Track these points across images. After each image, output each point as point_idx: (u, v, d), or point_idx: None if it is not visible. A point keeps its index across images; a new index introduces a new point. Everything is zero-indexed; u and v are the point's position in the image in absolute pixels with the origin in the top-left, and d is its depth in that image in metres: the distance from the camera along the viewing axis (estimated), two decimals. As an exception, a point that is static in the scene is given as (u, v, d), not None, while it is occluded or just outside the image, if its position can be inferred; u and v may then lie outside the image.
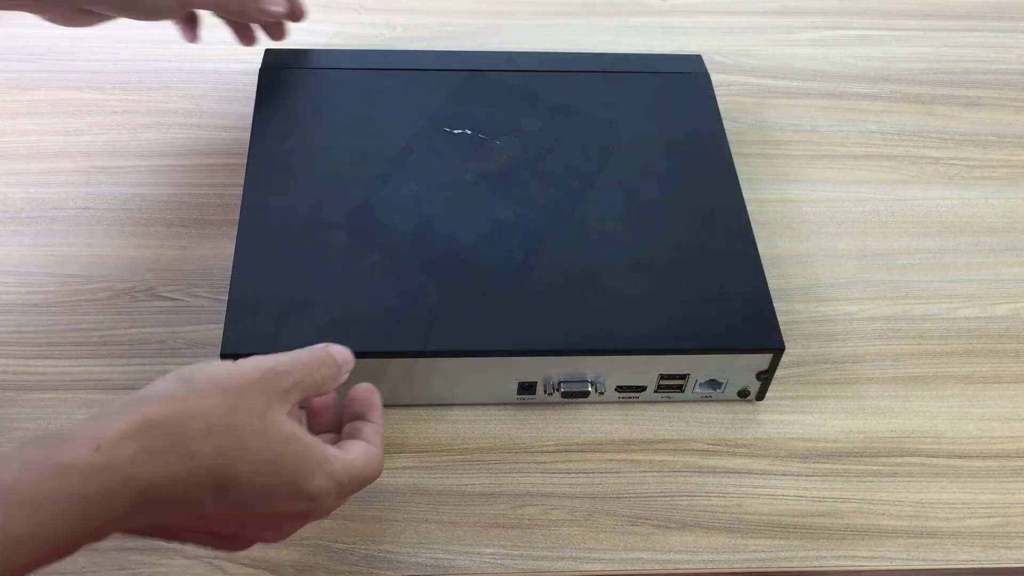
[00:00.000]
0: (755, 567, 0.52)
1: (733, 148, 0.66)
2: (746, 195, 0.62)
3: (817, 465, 0.56)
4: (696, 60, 0.71)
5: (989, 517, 0.54)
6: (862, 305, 0.64)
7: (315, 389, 0.47)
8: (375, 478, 0.48)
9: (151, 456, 0.38)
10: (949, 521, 0.54)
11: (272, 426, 0.43)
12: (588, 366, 0.55)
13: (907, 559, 0.53)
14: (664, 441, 0.57)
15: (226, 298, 0.60)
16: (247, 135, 0.71)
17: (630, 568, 0.52)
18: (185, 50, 0.78)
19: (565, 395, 0.56)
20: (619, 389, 0.57)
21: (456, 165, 0.62)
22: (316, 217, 0.59)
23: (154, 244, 0.64)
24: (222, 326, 0.59)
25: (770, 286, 0.58)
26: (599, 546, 0.52)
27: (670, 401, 0.58)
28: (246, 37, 0.69)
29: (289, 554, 0.51)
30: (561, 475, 0.55)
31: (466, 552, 0.52)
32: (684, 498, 0.54)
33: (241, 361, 0.44)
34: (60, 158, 0.69)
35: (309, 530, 0.52)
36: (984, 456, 0.57)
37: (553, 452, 0.56)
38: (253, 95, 0.67)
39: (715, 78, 0.71)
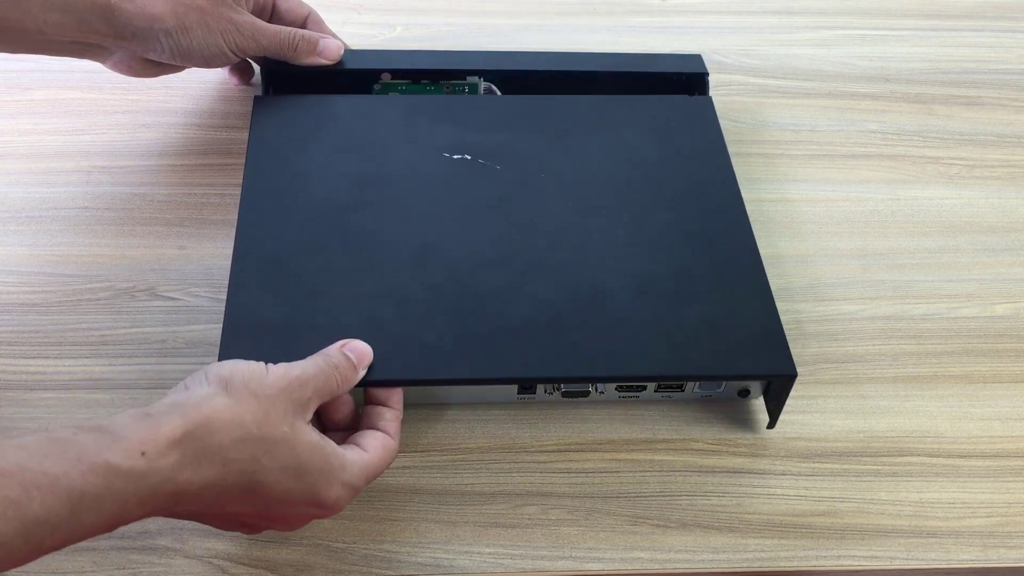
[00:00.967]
0: (755, 567, 0.52)
1: (733, 148, 0.66)
2: (746, 195, 0.62)
3: (817, 465, 0.56)
4: (696, 60, 0.71)
5: (989, 517, 0.54)
6: (862, 305, 0.64)
7: (331, 394, 0.49)
8: (389, 465, 0.50)
9: (191, 463, 0.42)
10: (949, 521, 0.54)
11: (298, 434, 0.46)
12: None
13: (907, 559, 0.53)
14: (664, 441, 0.57)
15: (226, 298, 0.61)
16: (247, 135, 0.71)
17: (630, 568, 0.52)
18: (185, 50, 0.78)
19: (565, 395, 0.56)
20: (619, 389, 0.57)
21: (456, 191, 0.61)
22: (312, 239, 0.58)
23: (154, 244, 0.64)
24: (222, 326, 0.59)
25: (770, 286, 0.58)
26: (599, 546, 0.52)
27: (670, 401, 0.58)
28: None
29: (289, 554, 0.51)
30: (561, 475, 0.55)
31: (466, 552, 0.52)
32: (684, 498, 0.54)
33: (271, 367, 0.47)
34: (60, 158, 0.69)
35: (309, 530, 0.52)
36: (984, 456, 0.57)
37: (553, 452, 0.56)
38: (253, 95, 0.67)
39: (715, 78, 0.71)
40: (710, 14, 0.84)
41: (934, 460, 0.57)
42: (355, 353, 0.51)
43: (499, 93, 0.69)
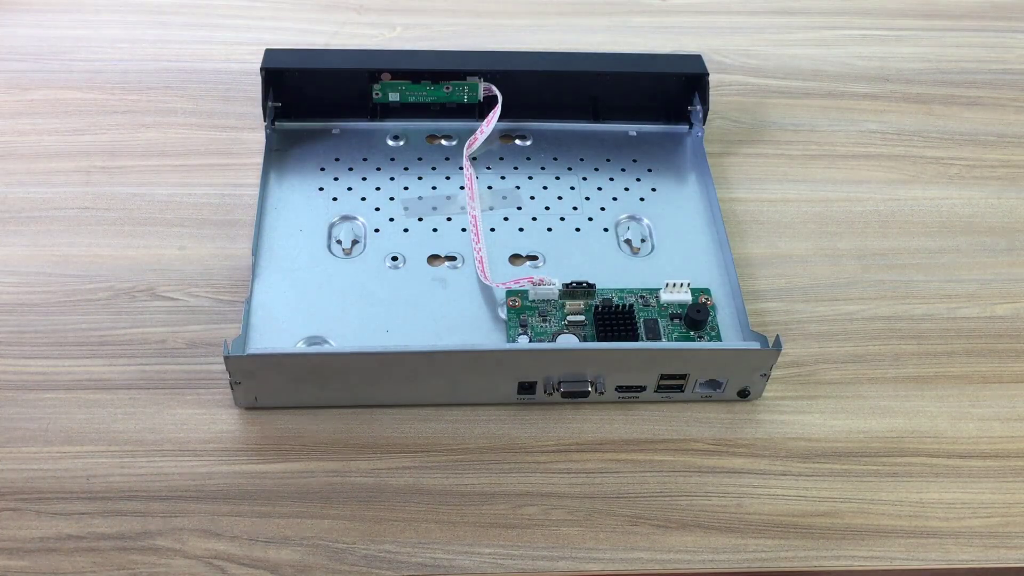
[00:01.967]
0: (755, 567, 0.52)
1: (733, 148, 0.66)
2: (746, 195, 0.63)
3: (817, 465, 0.56)
4: (696, 60, 0.71)
5: (989, 517, 0.54)
6: (862, 305, 0.64)
7: None
8: None
9: None
10: (949, 521, 0.54)
11: None
12: (589, 363, 0.55)
13: (907, 559, 0.53)
14: (664, 441, 0.57)
15: (225, 298, 0.61)
16: (247, 135, 0.71)
17: (630, 568, 0.52)
18: (185, 50, 0.78)
19: (565, 395, 0.56)
20: (619, 389, 0.57)
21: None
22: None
23: (154, 244, 0.64)
24: (222, 326, 0.59)
25: (770, 286, 0.58)
26: (599, 546, 0.52)
27: (670, 401, 0.58)
28: None
29: (289, 554, 0.51)
30: (561, 475, 0.55)
31: (466, 552, 0.52)
32: (684, 498, 0.54)
33: None
34: (60, 158, 0.69)
35: (309, 530, 0.52)
36: (984, 456, 0.57)
37: (553, 452, 0.56)
38: (253, 95, 0.67)
39: (715, 78, 0.71)
40: (710, 14, 0.84)
41: (934, 460, 0.57)
42: None
43: (499, 93, 0.69)
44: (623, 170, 0.69)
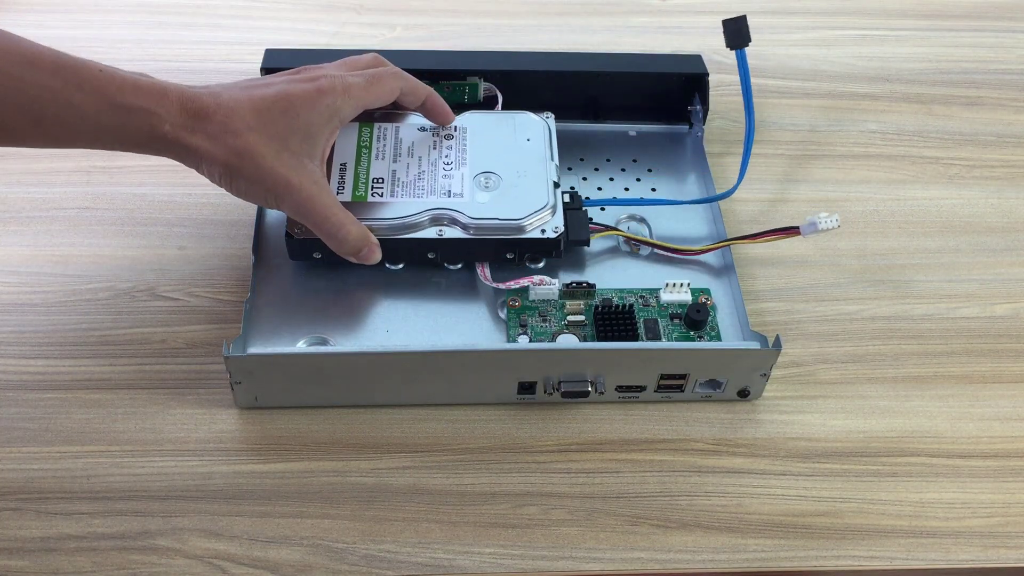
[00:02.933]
0: (755, 567, 0.52)
1: (733, 148, 0.66)
2: (745, 195, 0.63)
3: (817, 465, 0.56)
4: (696, 60, 0.71)
5: (989, 517, 0.54)
6: (862, 305, 0.64)
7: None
8: None
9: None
10: (949, 521, 0.54)
11: None
12: (588, 363, 0.55)
13: (907, 559, 0.53)
14: (664, 441, 0.57)
15: (225, 298, 0.61)
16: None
17: (630, 568, 0.52)
18: (185, 50, 0.78)
19: (565, 395, 0.56)
20: (619, 389, 0.57)
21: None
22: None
23: (154, 244, 0.64)
24: (222, 326, 0.59)
25: (771, 286, 0.58)
26: (599, 546, 0.52)
27: (670, 401, 0.58)
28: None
29: (289, 554, 0.51)
30: (561, 475, 0.55)
31: (466, 552, 0.52)
32: (684, 498, 0.54)
33: None
34: (60, 158, 0.69)
35: (309, 530, 0.52)
36: (984, 456, 0.57)
37: (553, 452, 0.56)
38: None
39: (715, 78, 0.71)
40: (710, 14, 0.84)
41: (934, 460, 0.57)
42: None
43: (499, 93, 0.69)
44: (623, 170, 0.69)
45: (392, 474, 0.54)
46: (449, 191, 0.60)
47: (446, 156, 0.62)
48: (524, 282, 0.59)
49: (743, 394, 0.58)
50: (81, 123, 0.51)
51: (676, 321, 0.59)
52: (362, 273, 0.60)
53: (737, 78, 0.65)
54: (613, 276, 0.62)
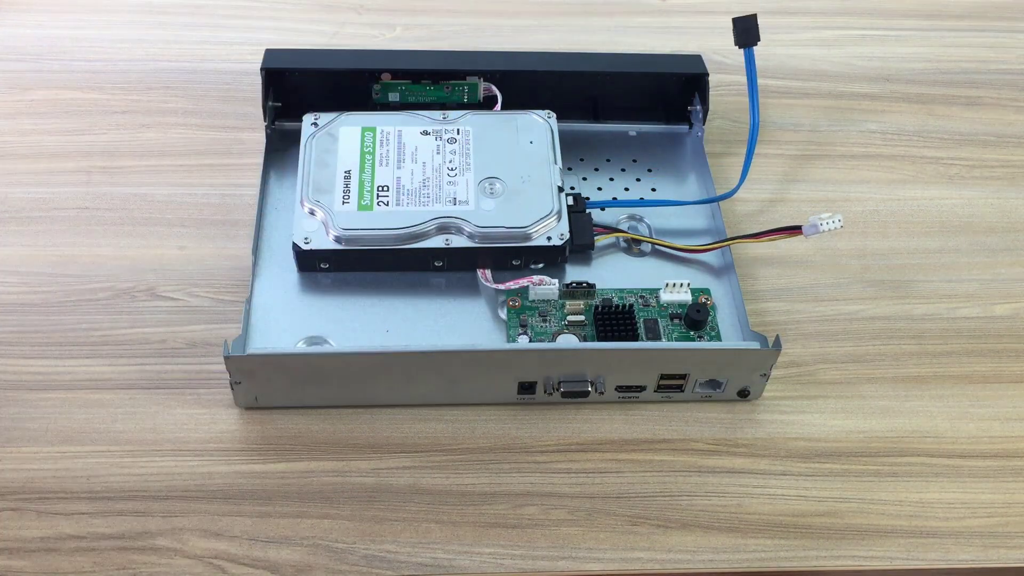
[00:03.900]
0: (755, 567, 0.52)
1: (733, 148, 0.66)
2: (745, 195, 0.63)
3: (817, 465, 0.56)
4: (696, 60, 0.71)
5: (989, 517, 0.54)
6: (862, 305, 0.64)
7: None
8: None
9: None
10: (949, 521, 0.54)
11: None
12: (589, 363, 0.55)
13: (907, 559, 0.53)
14: (664, 441, 0.57)
15: (225, 298, 0.61)
16: (247, 135, 0.71)
17: (630, 568, 0.52)
18: (185, 50, 0.78)
19: (565, 395, 0.56)
20: (619, 389, 0.57)
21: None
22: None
23: (154, 244, 0.64)
24: (222, 326, 0.59)
25: (771, 286, 0.58)
26: (599, 546, 0.52)
27: (670, 401, 0.58)
28: None
29: (289, 554, 0.51)
30: (561, 475, 0.55)
31: (466, 552, 0.52)
32: (684, 498, 0.54)
33: None
34: (60, 158, 0.69)
35: (309, 530, 0.52)
36: (984, 456, 0.57)
37: (553, 452, 0.56)
38: (253, 95, 0.67)
39: (715, 78, 0.71)
40: (710, 14, 0.84)
41: (934, 460, 0.57)
42: None
43: (499, 93, 0.69)
44: (623, 170, 0.69)
45: (392, 474, 0.54)
46: (455, 198, 0.60)
47: (450, 161, 0.62)
48: (524, 282, 0.59)
49: (743, 394, 0.58)
50: None
51: (676, 321, 0.59)
52: (362, 273, 0.61)
53: (737, 78, 0.65)
54: (613, 276, 0.62)
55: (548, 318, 0.59)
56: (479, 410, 0.57)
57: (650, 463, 0.56)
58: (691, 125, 0.72)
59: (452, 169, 0.62)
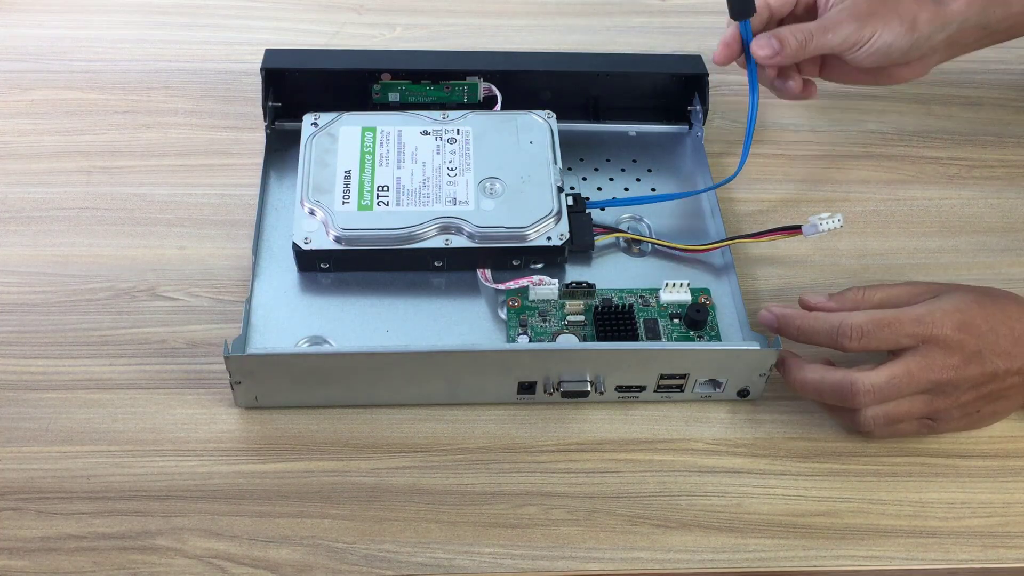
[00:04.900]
0: (755, 567, 0.52)
1: (733, 148, 0.66)
2: (746, 195, 0.63)
3: (817, 465, 0.56)
4: (696, 60, 0.71)
5: (988, 517, 0.55)
6: (862, 305, 0.64)
7: None
8: None
9: None
10: (948, 521, 0.54)
11: None
12: (588, 363, 0.55)
13: (906, 559, 0.53)
14: (664, 441, 0.57)
15: (226, 298, 0.61)
16: (247, 135, 0.71)
17: (630, 568, 0.52)
18: (185, 50, 0.78)
19: (565, 395, 0.56)
20: (619, 389, 0.57)
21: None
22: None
23: (154, 244, 0.64)
24: (222, 326, 0.59)
25: (771, 286, 0.58)
26: (599, 546, 0.52)
27: (670, 401, 0.58)
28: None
29: (289, 554, 0.51)
30: (561, 475, 0.55)
31: (466, 552, 0.52)
32: (684, 498, 0.54)
33: None
34: (60, 158, 0.69)
35: (309, 530, 0.52)
36: (984, 456, 0.57)
37: (553, 452, 0.56)
38: (253, 95, 0.67)
39: (715, 78, 0.71)
40: (710, 14, 0.84)
41: (934, 460, 0.57)
42: None
43: (499, 93, 0.69)
44: (623, 170, 0.69)
45: (392, 474, 0.54)
46: (455, 199, 0.60)
47: (450, 161, 0.62)
48: (524, 282, 0.59)
49: (743, 394, 0.58)
50: None
51: (676, 321, 0.59)
52: (362, 273, 0.61)
53: (737, 78, 0.65)
54: (613, 276, 0.62)
55: (548, 318, 0.59)
56: (479, 410, 0.57)
57: (650, 463, 0.56)
58: (691, 125, 0.72)
59: (452, 169, 0.62)
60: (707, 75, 0.70)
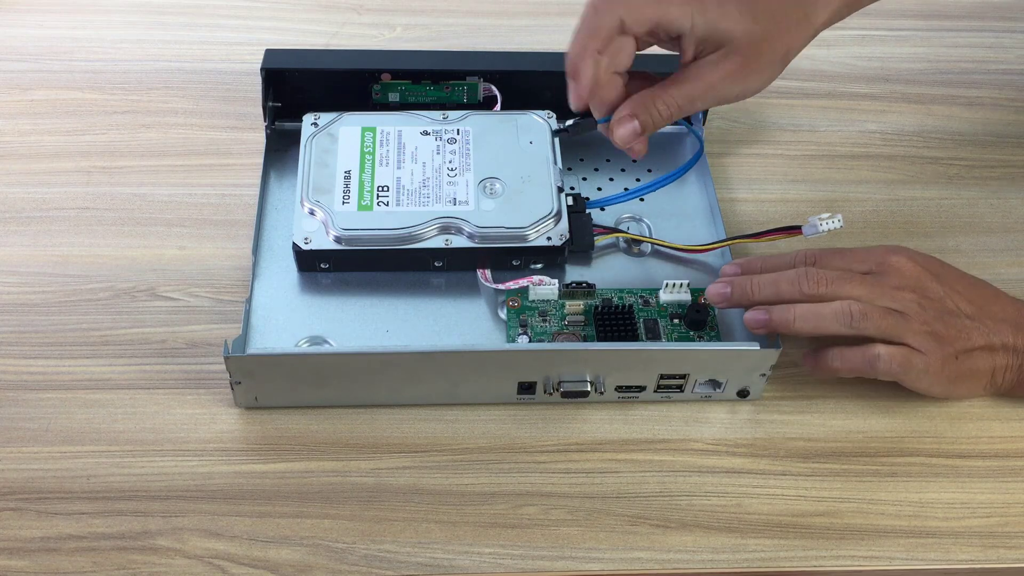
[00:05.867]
0: (755, 567, 0.52)
1: (733, 148, 0.66)
2: (746, 195, 0.63)
3: (817, 465, 0.56)
4: (696, 60, 0.71)
5: (988, 517, 0.55)
6: (862, 305, 0.64)
7: None
8: None
9: None
10: (948, 521, 0.54)
11: None
12: (588, 364, 0.55)
13: (906, 559, 0.53)
14: (664, 441, 0.57)
15: (226, 298, 0.61)
16: (247, 135, 0.71)
17: (630, 568, 0.52)
18: (185, 50, 0.78)
19: (565, 395, 0.56)
20: (619, 389, 0.57)
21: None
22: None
23: (154, 244, 0.64)
24: (222, 326, 0.59)
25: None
26: (599, 546, 0.52)
27: (670, 401, 0.58)
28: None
29: (289, 554, 0.51)
30: (561, 475, 0.55)
31: (466, 552, 0.52)
32: (684, 498, 0.54)
33: None
34: (60, 158, 0.69)
35: (309, 530, 0.52)
36: (983, 456, 0.57)
37: (553, 452, 0.56)
38: (253, 95, 0.67)
39: (715, 78, 0.71)
40: (710, 14, 0.84)
41: (934, 460, 0.57)
42: None
43: (498, 93, 0.69)
44: (623, 170, 0.69)
45: (392, 474, 0.54)
46: (454, 199, 0.60)
47: (450, 161, 0.62)
48: (524, 282, 0.59)
49: (743, 394, 0.58)
50: None
51: (676, 321, 0.59)
52: (362, 273, 0.61)
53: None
54: (613, 276, 0.62)
55: (548, 318, 0.59)
56: (479, 410, 0.57)
57: (650, 463, 0.56)
58: (691, 125, 0.72)
59: (452, 169, 0.62)
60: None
